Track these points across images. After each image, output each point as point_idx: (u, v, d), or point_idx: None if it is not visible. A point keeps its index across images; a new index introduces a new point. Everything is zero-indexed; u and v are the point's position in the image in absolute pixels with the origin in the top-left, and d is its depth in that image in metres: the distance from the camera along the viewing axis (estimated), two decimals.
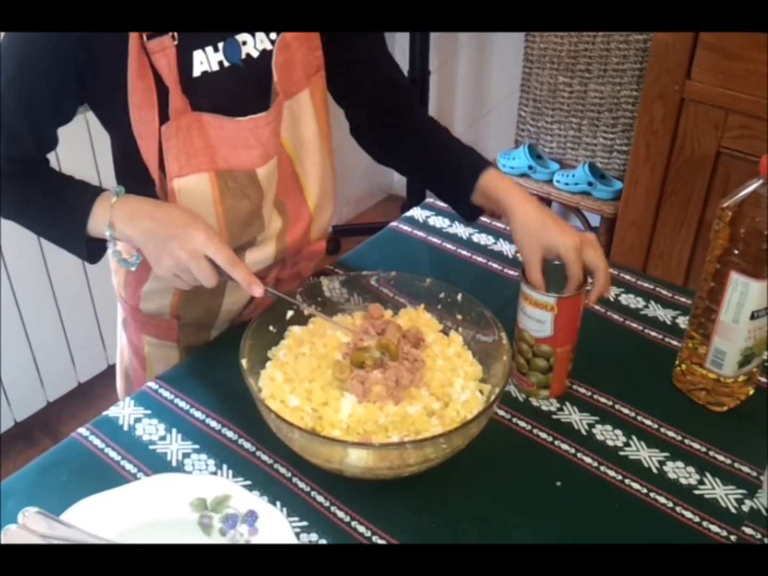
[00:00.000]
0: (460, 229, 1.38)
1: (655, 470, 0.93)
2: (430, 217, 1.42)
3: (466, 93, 2.95)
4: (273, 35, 0.99)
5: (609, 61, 2.26)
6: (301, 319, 1.04)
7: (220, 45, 0.95)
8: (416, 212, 1.43)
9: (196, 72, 0.95)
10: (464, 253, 1.32)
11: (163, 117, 0.94)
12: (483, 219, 1.40)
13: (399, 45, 2.91)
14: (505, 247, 1.33)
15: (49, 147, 1.01)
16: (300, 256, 1.19)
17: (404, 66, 2.67)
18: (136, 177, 1.01)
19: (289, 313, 1.03)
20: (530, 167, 2.40)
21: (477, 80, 2.89)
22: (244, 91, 0.99)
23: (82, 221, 0.95)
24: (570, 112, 2.38)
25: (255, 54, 0.99)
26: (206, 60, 0.95)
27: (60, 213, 0.98)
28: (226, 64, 0.96)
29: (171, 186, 0.97)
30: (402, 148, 1.17)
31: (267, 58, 0.99)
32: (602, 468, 0.93)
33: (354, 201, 3.05)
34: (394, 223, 1.40)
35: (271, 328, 1.01)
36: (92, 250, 0.99)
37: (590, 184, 2.31)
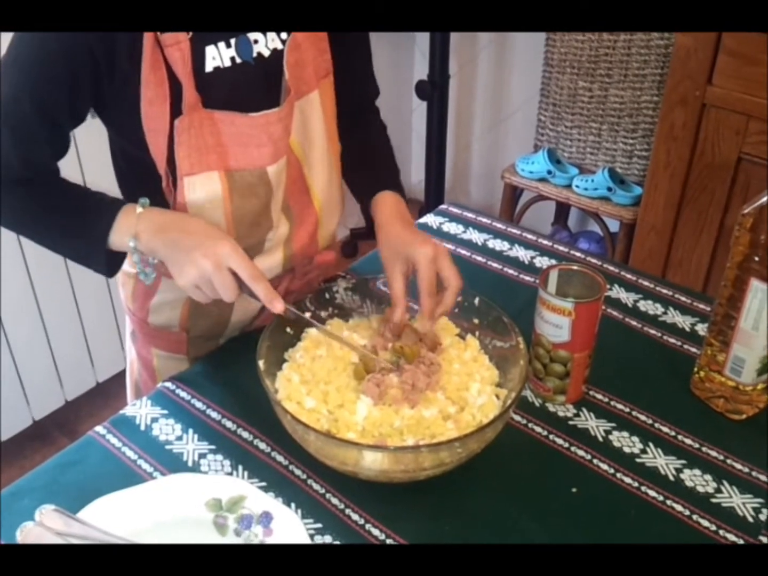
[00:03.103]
0: (475, 235, 1.38)
1: (672, 478, 0.93)
2: (444, 223, 1.41)
3: (486, 97, 2.94)
4: (284, 35, 0.99)
5: (630, 66, 2.25)
6: (319, 322, 1.04)
7: (233, 41, 0.95)
8: (430, 218, 1.43)
9: (209, 67, 0.94)
10: (479, 258, 1.32)
11: (175, 112, 0.93)
12: (498, 225, 1.40)
13: (419, 48, 2.91)
14: (521, 253, 1.33)
15: (63, 151, 1.00)
16: (310, 266, 1.18)
17: (424, 69, 2.68)
18: (139, 180, 1.01)
19: (306, 315, 1.04)
20: (549, 172, 2.39)
21: (497, 84, 2.89)
22: (255, 88, 0.99)
23: (104, 234, 0.95)
24: (590, 117, 2.37)
25: (266, 53, 0.99)
26: (218, 55, 0.95)
27: (80, 226, 0.98)
28: (237, 60, 0.96)
29: (181, 184, 0.97)
30: (354, 152, 1.18)
31: (278, 57, 0.99)
32: (618, 475, 0.93)
33: None
34: None
35: (288, 329, 1.01)
36: (110, 263, 0.99)
37: (609, 189, 2.30)
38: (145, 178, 0.99)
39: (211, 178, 0.98)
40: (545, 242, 1.35)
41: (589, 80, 2.33)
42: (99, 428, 0.99)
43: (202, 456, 0.95)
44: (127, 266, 1.14)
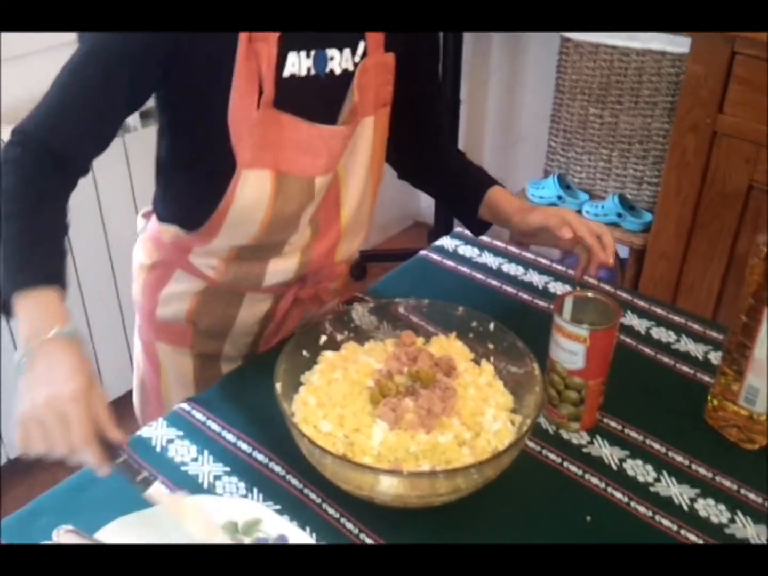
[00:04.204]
0: (490, 259, 1.39)
1: (686, 507, 0.93)
2: (460, 246, 1.42)
3: (496, 122, 2.96)
4: (357, 58, 1.03)
5: (641, 94, 2.27)
6: (334, 345, 1.05)
7: (312, 53, 0.99)
8: (446, 241, 1.44)
9: (286, 72, 0.98)
10: (494, 283, 1.33)
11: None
12: (512, 249, 1.41)
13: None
14: (535, 278, 1.34)
15: (103, 144, 0.99)
16: (321, 275, 1.20)
17: None
18: (189, 171, 1.06)
19: (323, 338, 1.04)
20: (559, 197, 2.41)
21: (507, 109, 2.91)
22: (322, 102, 1.03)
23: (20, 280, 0.86)
24: (600, 144, 2.39)
25: (338, 71, 1.02)
26: (298, 63, 0.98)
27: (16, 248, 0.89)
28: (312, 72, 1.00)
29: (237, 176, 1.00)
30: (431, 171, 1.28)
31: (347, 77, 1.03)
32: (632, 504, 0.93)
33: (381, 227, 3.06)
34: (423, 252, 1.41)
35: (304, 352, 1.02)
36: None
37: (619, 215, 2.31)
38: (197, 170, 1.04)
39: (263, 177, 1.01)
40: (559, 267, 1.36)
41: (600, 107, 2.35)
42: None
43: (217, 478, 0.96)
44: (141, 256, 1.18)
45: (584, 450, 1.00)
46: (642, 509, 0.92)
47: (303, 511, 0.91)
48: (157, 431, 1.02)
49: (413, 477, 0.86)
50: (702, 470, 0.97)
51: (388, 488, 0.86)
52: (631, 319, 1.23)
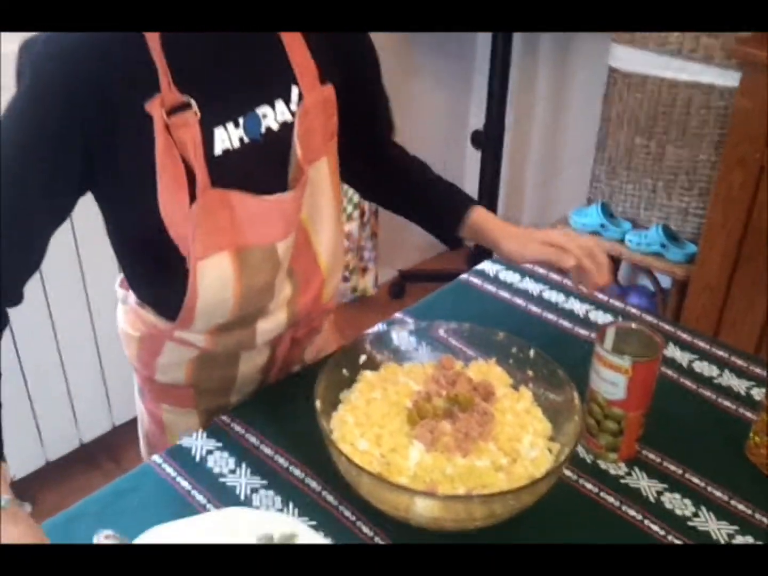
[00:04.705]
0: (531, 285, 1.39)
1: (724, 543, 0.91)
2: (501, 271, 1.43)
3: (541, 149, 2.96)
4: (293, 106, 0.98)
5: (688, 126, 2.25)
6: (373, 365, 1.06)
7: (241, 120, 0.94)
8: (487, 266, 1.45)
9: (218, 150, 0.92)
10: (535, 309, 1.33)
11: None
12: (554, 276, 1.41)
13: (475, 99, 2.95)
14: (576, 306, 1.33)
15: (36, 263, 0.93)
16: (313, 316, 1.17)
17: (480, 120, 2.71)
18: (141, 262, 1.02)
19: (362, 358, 1.05)
20: (602, 225, 2.40)
21: (552, 137, 2.91)
22: (265, 166, 0.98)
23: None
24: (645, 173, 2.37)
25: (275, 127, 0.97)
26: (227, 137, 0.93)
27: None
28: (246, 140, 0.95)
29: (193, 270, 0.95)
30: (390, 183, 1.23)
31: (287, 130, 0.98)
32: (670, 537, 0.92)
33: (420, 248, 3.07)
34: (464, 276, 1.42)
35: (344, 371, 1.03)
36: None
37: (663, 245, 2.29)
38: (148, 260, 0.99)
39: (221, 260, 0.96)
40: (601, 296, 1.35)
41: (646, 137, 2.34)
42: (156, 457, 1.01)
43: (254, 491, 0.97)
44: (127, 327, 1.13)
45: (622, 481, 0.99)
46: (679, 543, 0.91)
47: (337, 529, 0.92)
48: (197, 441, 1.04)
49: (448, 500, 0.86)
50: (741, 506, 0.96)
51: (422, 510, 0.86)
52: (673, 352, 1.22)
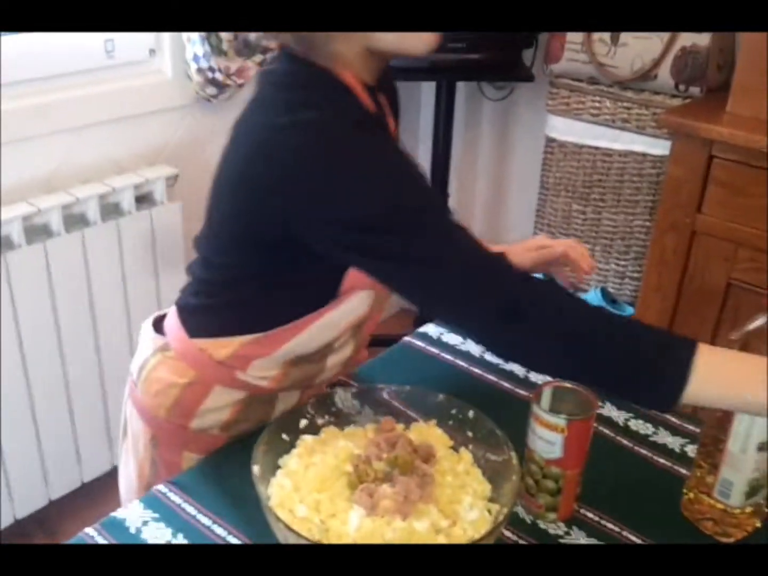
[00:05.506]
0: (473, 347, 1.41)
1: None
2: (443, 333, 1.44)
3: (483, 217, 3.04)
4: None
5: (623, 192, 2.34)
6: (314, 429, 1.06)
7: None
8: (431, 328, 1.46)
9: None
10: (476, 371, 1.34)
11: None
12: None
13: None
14: (516, 367, 1.35)
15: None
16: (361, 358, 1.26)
17: None
18: (284, 286, 1.05)
19: (303, 422, 1.05)
20: None
21: (494, 204, 2.99)
22: None
23: None
24: (583, 239, 2.45)
25: None
26: None
27: None
28: None
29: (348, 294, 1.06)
30: None
31: None
32: None
33: None
34: (407, 338, 1.43)
35: (284, 436, 1.02)
36: None
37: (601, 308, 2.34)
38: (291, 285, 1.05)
39: (368, 295, 1.08)
40: None
41: (583, 203, 2.42)
42: (89, 529, 0.98)
43: None
44: (169, 376, 1.12)
45: (561, 540, 1.00)
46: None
47: None
48: (132, 513, 1.01)
49: None
50: None
51: None
52: (610, 411, 1.25)
